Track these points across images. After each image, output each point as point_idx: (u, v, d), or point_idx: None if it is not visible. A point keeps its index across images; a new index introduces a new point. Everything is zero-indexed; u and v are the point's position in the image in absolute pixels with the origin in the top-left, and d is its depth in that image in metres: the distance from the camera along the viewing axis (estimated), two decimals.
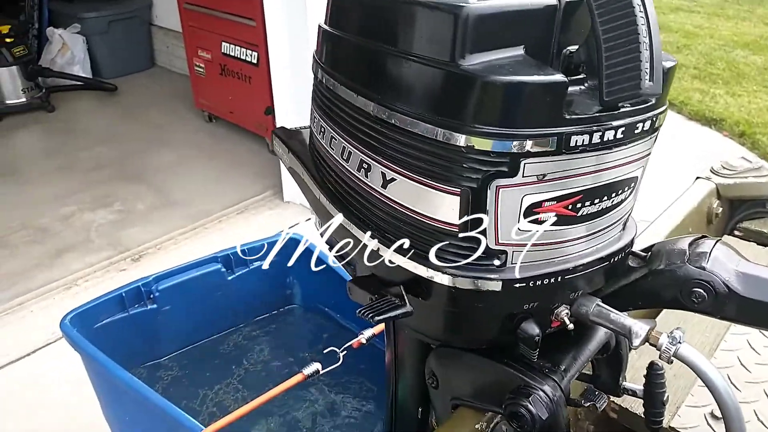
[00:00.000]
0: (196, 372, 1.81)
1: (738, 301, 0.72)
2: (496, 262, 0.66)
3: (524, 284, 0.66)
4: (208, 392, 1.78)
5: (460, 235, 0.65)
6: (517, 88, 0.58)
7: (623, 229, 0.75)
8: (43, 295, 3.00)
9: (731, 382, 1.07)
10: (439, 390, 0.84)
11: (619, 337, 0.84)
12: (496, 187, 0.61)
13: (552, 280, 0.67)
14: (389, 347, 1.02)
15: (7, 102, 4.62)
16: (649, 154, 0.70)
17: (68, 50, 5.07)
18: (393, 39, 0.65)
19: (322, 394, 1.79)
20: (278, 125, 3.71)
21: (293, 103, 3.46)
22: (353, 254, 0.81)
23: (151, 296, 1.75)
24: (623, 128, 0.62)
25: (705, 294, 0.74)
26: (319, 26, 0.79)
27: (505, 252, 0.65)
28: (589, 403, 0.82)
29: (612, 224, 0.71)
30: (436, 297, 0.69)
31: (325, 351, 1.50)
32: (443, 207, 0.64)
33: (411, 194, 0.67)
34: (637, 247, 0.81)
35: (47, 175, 4.01)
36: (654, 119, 0.66)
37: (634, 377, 0.98)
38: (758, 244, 1.45)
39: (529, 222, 0.63)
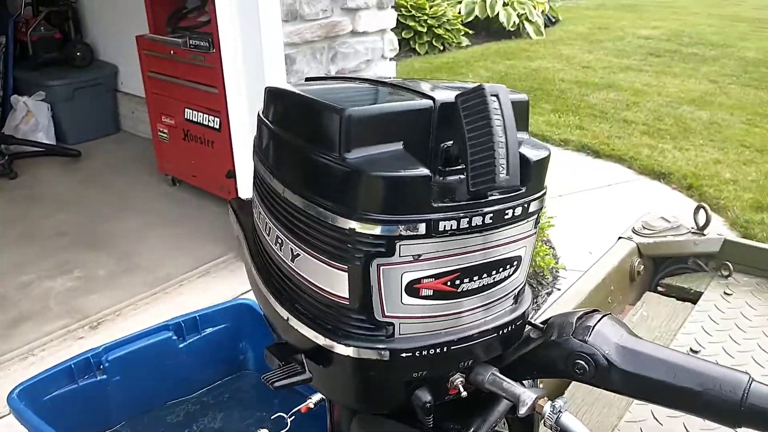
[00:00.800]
0: None
1: (619, 373, 0.79)
2: (385, 333, 0.72)
3: (410, 354, 0.73)
4: None
5: (351, 307, 0.71)
6: (389, 181, 0.66)
7: (515, 302, 0.82)
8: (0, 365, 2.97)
9: None
10: None
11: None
12: (378, 265, 0.69)
13: (438, 350, 0.74)
14: (328, 414, 1.07)
15: None
16: (530, 236, 0.78)
17: (32, 117, 5.13)
18: (299, 132, 0.74)
19: None
20: (239, 189, 3.78)
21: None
22: (273, 322, 0.87)
23: (101, 367, 1.77)
24: (492, 214, 0.70)
25: (586, 366, 0.80)
26: (258, 114, 0.88)
27: (392, 324, 0.72)
28: None
29: (499, 299, 0.78)
30: (336, 365, 0.75)
31: (272, 417, 1.54)
32: (336, 282, 0.71)
33: (312, 269, 0.74)
34: (559, 309, 0.88)
35: (7, 243, 3.99)
36: (526, 205, 0.74)
37: None
38: (678, 299, 1.54)
39: (410, 297, 0.70)
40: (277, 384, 0.74)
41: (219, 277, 3.71)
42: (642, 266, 1.54)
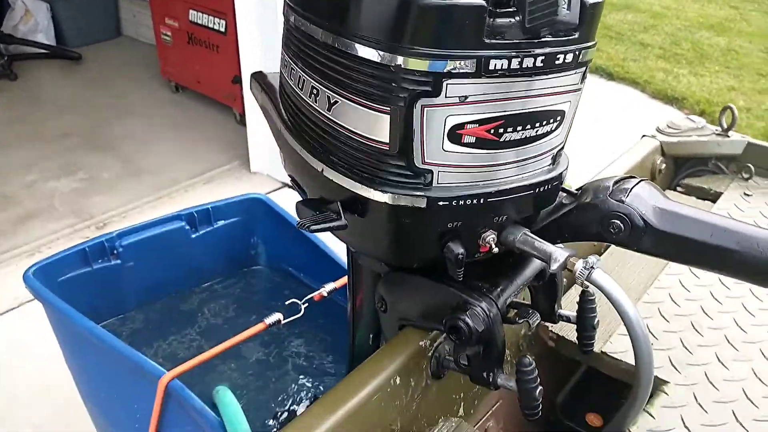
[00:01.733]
0: (157, 326, 1.85)
1: (653, 234, 0.79)
2: (423, 181, 0.71)
3: (447, 203, 0.72)
4: (168, 344, 1.82)
5: (391, 153, 0.70)
6: (441, 10, 0.63)
7: (553, 163, 0.81)
8: (6, 261, 3.00)
9: (661, 314, 1.14)
10: (388, 313, 0.90)
11: (543, 261, 0.90)
12: (422, 106, 0.66)
13: (475, 201, 0.73)
14: (349, 282, 1.08)
15: None
16: (576, 90, 0.76)
17: (31, 17, 4.98)
18: None
19: (280, 346, 1.84)
20: (246, 96, 3.71)
21: (261, 69, 3.47)
22: (306, 179, 0.86)
23: (115, 252, 1.77)
24: (543, 57, 0.67)
25: (622, 226, 0.80)
26: None
27: (431, 171, 0.71)
28: (522, 320, 0.88)
29: (538, 155, 0.76)
30: (372, 213, 0.75)
31: (287, 303, 1.56)
32: (376, 126, 0.70)
33: (350, 116, 0.72)
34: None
35: (11, 143, 3.96)
36: (577, 53, 0.71)
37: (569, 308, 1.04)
38: (698, 198, 1.54)
39: (452, 143, 0.68)
40: (313, 227, 0.74)
41: (224, 184, 3.70)
42: (663, 165, 1.52)
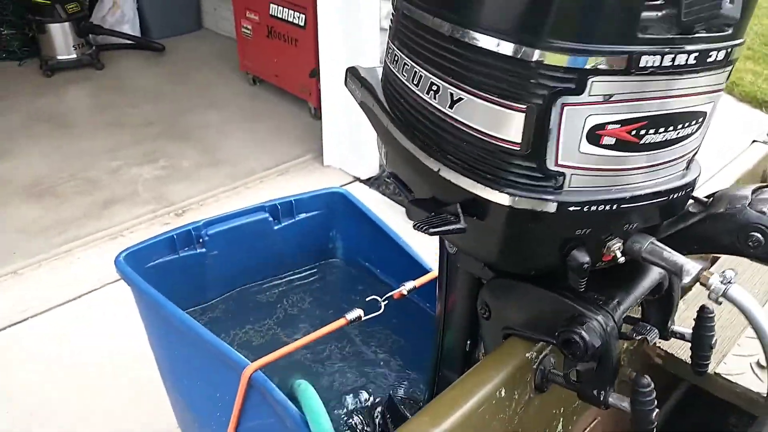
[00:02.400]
0: (237, 314, 1.87)
1: None
2: (554, 184, 0.67)
3: (579, 208, 0.67)
4: (246, 332, 1.84)
5: (521, 153, 0.66)
6: (592, 3, 0.58)
7: (687, 168, 0.75)
8: (90, 243, 3.11)
9: None
10: (491, 320, 0.86)
11: (672, 279, 0.85)
12: (562, 104, 0.62)
13: (607, 207, 0.68)
14: (440, 279, 1.04)
15: (59, 57, 4.73)
16: (720, 90, 0.70)
17: (119, 9, 5.16)
18: None
19: (353, 342, 1.83)
20: (323, 90, 3.73)
21: (339, 64, 3.47)
22: (416, 179, 0.83)
23: (200, 240, 1.80)
24: (696, 54, 0.62)
25: (762, 239, 0.74)
26: None
27: (563, 174, 0.66)
28: (640, 336, 0.83)
29: (674, 159, 0.71)
30: (493, 217, 0.71)
31: (367, 299, 1.54)
32: (507, 125, 0.66)
33: (476, 113, 0.68)
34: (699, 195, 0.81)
35: (97, 129, 4.11)
36: (729, 50, 0.65)
37: (681, 326, 0.98)
38: None
39: (590, 144, 0.64)
40: (432, 230, 0.70)
41: (298, 176, 3.74)
42: None
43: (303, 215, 1.96)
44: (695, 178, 0.76)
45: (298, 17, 3.97)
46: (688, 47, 0.61)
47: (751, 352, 0.99)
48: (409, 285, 1.59)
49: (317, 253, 2.04)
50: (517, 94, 0.64)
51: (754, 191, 0.77)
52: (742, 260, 0.81)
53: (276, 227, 1.91)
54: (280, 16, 4.10)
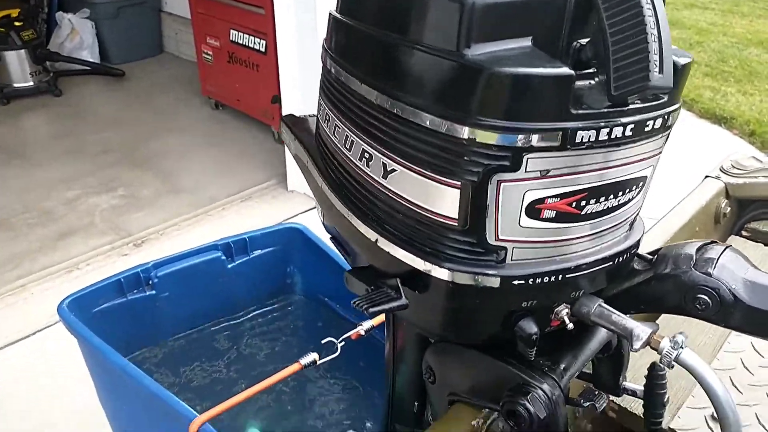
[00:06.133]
0: (190, 357, 1.81)
1: (744, 310, 0.71)
2: (495, 258, 0.64)
3: (523, 281, 0.65)
4: (202, 375, 1.78)
5: (459, 229, 0.63)
6: (523, 81, 0.56)
7: (630, 229, 0.73)
8: (45, 277, 3.01)
9: (733, 384, 1.05)
10: (436, 385, 0.83)
11: (621, 337, 0.83)
12: (498, 181, 0.60)
13: (552, 278, 0.66)
14: (389, 339, 1.01)
15: (15, 85, 4.62)
16: (659, 153, 0.69)
17: (77, 35, 5.06)
18: (401, 27, 0.64)
19: (316, 386, 1.79)
20: (285, 113, 3.69)
21: (300, 91, 3.45)
22: (353, 245, 0.80)
23: (150, 282, 1.74)
24: (632, 125, 0.60)
25: (710, 301, 0.72)
26: (330, 14, 0.78)
27: (504, 248, 0.64)
28: (588, 403, 0.81)
29: (618, 224, 0.69)
30: (433, 291, 0.68)
31: (323, 342, 1.50)
32: (443, 200, 0.63)
33: (411, 186, 0.65)
34: (642, 249, 0.79)
35: (54, 158, 4.00)
36: (666, 117, 0.64)
37: (634, 377, 0.96)
38: (766, 245, 1.43)
39: (530, 219, 0.62)
40: (372, 310, 0.67)
41: (262, 202, 3.68)
42: (728, 208, 1.42)
43: (258, 252, 1.92)
44: (639, 239, 0.74)
45: (259, 43, 3.93)
46: (624, 119, 0.60)
47: (705, 405, 0.97)
48: (367, 324, 1.54)
49: (274, 290, 2.00)
50: (450, 169, 0.61)
51: (698, 249, 0.75)
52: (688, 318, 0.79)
53: (230, 265, 1.87)
54: (240, 41, 4.06)
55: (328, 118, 0.78)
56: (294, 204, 3.60)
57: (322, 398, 1.74)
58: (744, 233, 1.49)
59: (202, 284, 1.82)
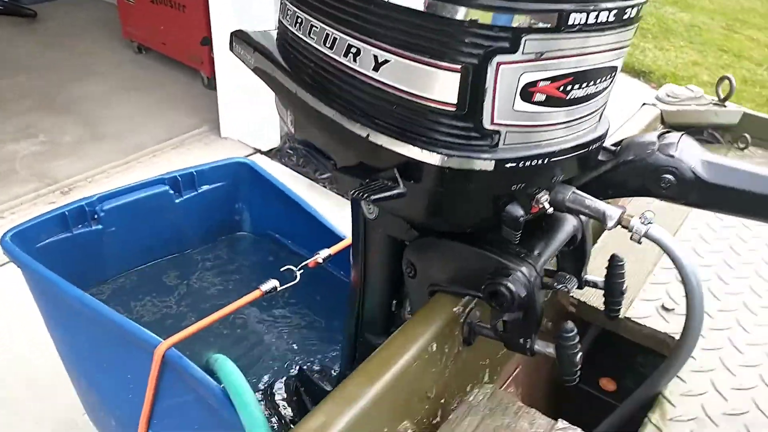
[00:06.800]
0: (140, 293, 1.78)
1: (702, 186, 0.78)
2: (489, 142, 0.68)
3: (514, 164, 0.69)
4: (153, 311, 1.77)
5: (457, 114, 0.66)
6: None
7: (599, 121, 0.79)
8: None
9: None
10: (417, 279, 0.87)
11: (585, 230, 0.89)
12: (497, 63, 0.63)
13: (539, 161, 0.70)
14: (356, 254, 1.04)
15: None
16: (627, 46, 0.74)
17: None
18: None
19: (269, 313, 1.80)
20: (216, 58, 3.58)
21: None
22: (336, 147, 0.81)
23: (96, 216, 1.69)
24: (615, 11, 0.65)
25: (674, 179, 0.79)
26: None
27: (498, 132, 0.67)
28: (560, 285, 0.87)
29: (593, 112, 0.74)
30: (427, 179, 0.71)
31: (282, 269, 1.51)
32: (440, 86, 0.65)
33: (406, 75, 0.67)
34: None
35: None
36: (639, 8, 0.69)
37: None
38: None
39: (523, 102, 0.66)
40: (373, 197, 0.69)
41: (194, 149, 3.59)
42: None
43: (206, 187, 1.88)
44: (606, 130, 0.80)
45: None
46: (609, 4, 0.64)
47: (657, 296, 1.07)
48: (324, 253, 1.57)
49: (223, 226, 1.98)
50: (450, 53, 0.63)
51: (659, 136, 0.82)
52: (650, 203, 0.87)
53: (177, 200, 1.83)
54: None
55: (299, 20, 0.78)
56: (228, 151, 3.54)
57: (279, 328, 1.76)
58: None
59: (150, 219, 1.78)
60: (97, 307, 1.38)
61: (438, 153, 0.68)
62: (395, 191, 0.71)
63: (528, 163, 0.69)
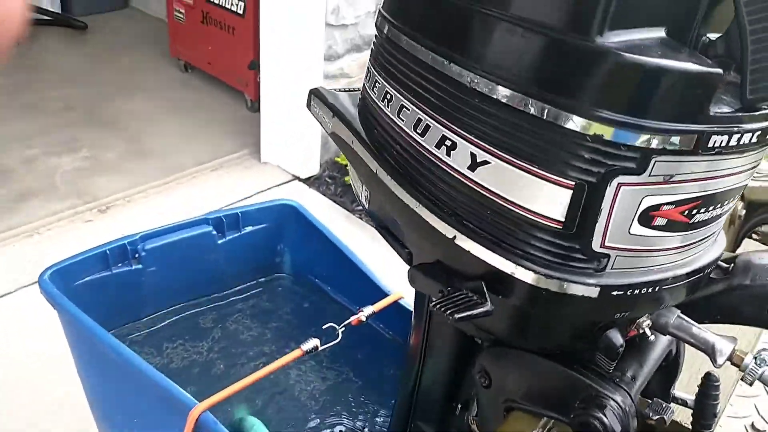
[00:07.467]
0: (176, 334, 1.73)
1: None
2: (596, 266, 0.59)
3: (622, 292, 0.60)
4: (186, 354, 1.71)
5: (562, 232, 0.58)
6: (668, 75, 0.51)
7: (716, 238, 0.70)
8: (4, 241, 2.84)
9: None
10: (491, 390, 0.79)
11: (679, 346, 0.80)
12: (618, 183, 0.55)
13: (649, 289, 0.61)
14: (417, 331, 0.95)
15: None
16: (759, 164, 0.65)
17: None
18: (504, 2, 0.57)
19: (301, 371, 1.73)
20: (263, 82, 3.56)
21: (282, 59, 3.32)
22: (414, 238, 0.73)
23: (137, 256, 1.64)
24: (759, 132, 0.56)
25: None
26: None
27: (607, 255, 0.59)
28: (657, 417, 0.78)
29: (712, 234, 0.66)
30: (519, 297, 0.63)
31: (324, 327, 1.44)
32: (546, 199, 0.57)
33: (506, 180, 0.59)
34: None
35: (11, 113, 3.77)
36: None
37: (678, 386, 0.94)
38: None
39: (641, 226, 0.57)
40: (458, 316, 0.61)
41: (233, 173, 3.56)
42: (744, 210, 1.41)
43: (249, 228, 1.84)
44: (723, 250, 0.71)
45: (237, 5, 3.78)
46: (754, 125, 0.56)
47: (746, 414, 0.96)
48: (368, 310, 1.49)
49: (262, 267, 1.92)
50: (562, 167, 0.56)
51: None
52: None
53: (220, 241, 1.78)
54: (216, 1, 3.89)
55: (388, 96, 0.71)
56: (267, 176, 3.50)
57: (313, 385, 1.68)
58: (754, 236, 1.49)
59: (190, 259, 1.73)
60: (134, 360, 1.32)
61: (534, 271, 0.60)
62: (482, 309, 0.62)
63: (637, 291, 0.60)
